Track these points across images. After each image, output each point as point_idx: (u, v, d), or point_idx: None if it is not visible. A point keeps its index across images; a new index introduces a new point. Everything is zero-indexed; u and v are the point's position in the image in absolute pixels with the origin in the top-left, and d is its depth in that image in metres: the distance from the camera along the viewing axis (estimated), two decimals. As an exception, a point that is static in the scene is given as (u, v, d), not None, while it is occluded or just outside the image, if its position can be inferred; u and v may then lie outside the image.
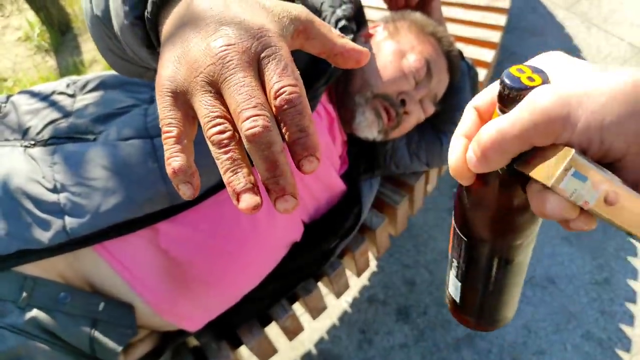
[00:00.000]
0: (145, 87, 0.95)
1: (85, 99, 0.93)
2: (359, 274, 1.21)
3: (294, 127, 0.32)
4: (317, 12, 0.94)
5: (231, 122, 0.33)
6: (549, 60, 0.32)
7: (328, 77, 0.89)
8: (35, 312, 0.75)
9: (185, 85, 0.35)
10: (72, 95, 0.94)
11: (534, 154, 0.30)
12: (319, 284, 1.09)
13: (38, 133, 0.86)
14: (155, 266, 0.83)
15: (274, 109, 0.33)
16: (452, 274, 0.43)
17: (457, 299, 0.43)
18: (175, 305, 0.86)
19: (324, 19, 0.93)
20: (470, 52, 1.42)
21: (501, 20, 1.50)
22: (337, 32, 0.40)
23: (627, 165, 0.29)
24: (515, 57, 2.03)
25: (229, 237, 0.85)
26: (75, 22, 2.65)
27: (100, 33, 0.57)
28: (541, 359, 1.39)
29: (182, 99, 0.35)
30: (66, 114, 0.90)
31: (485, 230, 0.37)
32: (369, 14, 1.53)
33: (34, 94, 0.95)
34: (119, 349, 0.79)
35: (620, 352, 1.37)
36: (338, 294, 1.18)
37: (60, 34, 2.60)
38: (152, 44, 0.47)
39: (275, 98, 0.32)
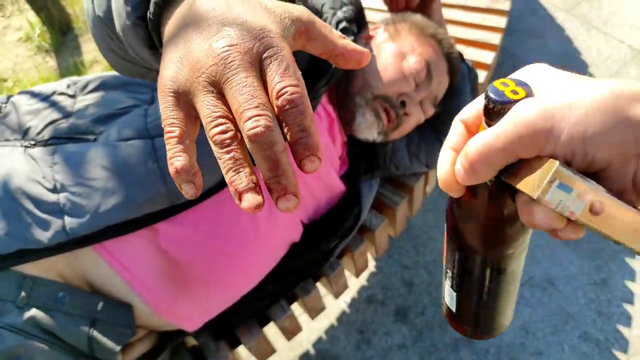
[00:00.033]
0: (145, 87, 0.96)
1: (85, 100, 0.93)
2: (357, 274, 1.21)
3: (295, 127, 0.32)
4: (318, 13, 0.94)
5: (233, 122, 0.33)
6: (533, 73, 0.33)
7: (329, 78, 0.89)
8: (34, 312, 0.75)
9: (187, 85, 0.35)
10: (73, 96, 0.94)
11: (520, 166, 0.30)
12: (318, 284, 1.10)
13: (38, 133, 0.86)
14: (155, 266, 0.83)
15: (275, 109, 0.33)
16: (447, 284, 0.43)
17: (453, 308, 0.44)
18: (175, 305, 0.86)
19: (324, 21, 0.93)
20: (471, 54, 1.42)
21: (501, 22, 1.50)
22: (338, 33, 0.40)
23: (611, 175, 0.29)
24: (515, 59, 2.04)
25: (228, 237, 0.85)
26: (76, 22, 2.65)
27: (102, 33, 0.57)
28: (539, 360, 1.40)
29: (184, 99, 0.35)
30: (67, 115, 0.90)
31: (477, 241, 0.37)
32: (369, 15, 1.53)
33: (34, 95, 0.95)
34: (118, 348, 0.79)
35: (618, 353, 1.37)
36: (337, 295, 1.18)
37: (61, 34, 2.60)
38: (154, 45, 0.47)
39: (277, 98, 0.33)
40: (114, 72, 0.99)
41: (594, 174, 0.29)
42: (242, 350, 1.04)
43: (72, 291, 0.79)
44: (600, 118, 0.27)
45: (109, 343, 0.79)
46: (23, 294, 0.75)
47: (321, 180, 0.99)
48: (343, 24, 0.92)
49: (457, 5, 1.59)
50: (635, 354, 1.37)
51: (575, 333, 1.43)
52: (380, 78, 0.96)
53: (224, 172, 0.32)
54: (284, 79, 0.33)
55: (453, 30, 1.48)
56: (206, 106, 0.33)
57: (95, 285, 0.82)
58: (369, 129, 0.98)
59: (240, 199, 0.32)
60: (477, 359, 1.42)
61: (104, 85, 0.95)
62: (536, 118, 0.28)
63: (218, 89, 0.34)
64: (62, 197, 0.78)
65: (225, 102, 0.34)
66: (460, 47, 1.41)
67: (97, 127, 0.86)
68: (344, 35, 0.40)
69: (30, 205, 0.77)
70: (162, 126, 0.35)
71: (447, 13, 1.54)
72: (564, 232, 0.30)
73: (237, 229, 0.85)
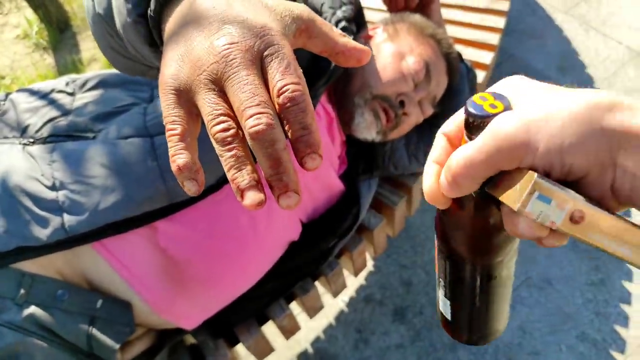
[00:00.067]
0: (144, 85, 0.96)
1: (84, 98, 0.93)
2: (356, 273, 1.21)
3: (297, 124, 0.32)
4: (318, 13, 0.94)
5: (234, 119, 0.33)
6: (511, 86, 0.33)
7: (328, 77, 0.89)
8: (33, 309, 0.75)
9: (188, 83, 0.35)
10: (72, 94, 0.94)
11: (502, 178, 0.31)
12: (316, 283, 1.10)
13: (37, 131, 0.86)
14: (154, 265, 0.83)
15: (277, 106, 0.33)
16: (440, 292, 0.44)
17: (448, 316, 0.44)
18: (173, 304, 0.86)
19: (324, 20, 0.93)
20: (469, 54, 1.42)
21: (500, 22, 1.50)
22: (338, 31, 0.40)
23: (590, 183, 0.30)
24: (513, 59, 2.04)
25: (227, 236, 0.85)
26: (74, 20, 2.64)
27: (101, 31, 0.57)
28: (536, 360, 1.40)
29: (185, 97, 0.35)
30: (65, 112, 0.90)
31: (466, 251, 0.38)
32: (368, 15, 1.53)
33: (33, 92, 0.95)
34: (117, 346, 0.79)
35: (615, 354, 1.38)
36: (335, 294, 1.19)
37: (58, 32, 2.59)
38: (155, 42, 0.47)
39: (279, 96, 0.33)
40: (112, 70, 0.99)
41: (573, 183, 0.30)
42: (240, 348, 1.04)
43: (71, 289, 0.79)
44: (576, 129, 0.28)
45: (108, 341, 0.79)
46: (22, 291, 0.75)
47: (320, 180, 0.99)
48: (342, 24, 0.92)
49: (455, 5, 1.59)
50: (632, 354, 1.37)
51: (572, 333, 1.43)
52: (379, 78, 0.96)
53: (225, 169, 0.32)
54: (285, 77, 0.33)
55: (452, 31, 1.49)
56: (208, 104, 0.33)
57: (94, 283, 0.82)
58: (367, 129, 0.98)
59: (242, 197, 0.32)
60: (474, 359, 1.42)
61: (103, 83, 0.95)
62: (514, 131, 0.29)
63: (219, 87, 0.34)
64: (61, 195, 0.78)
65: (226, 99, 0.34)
66: (459, 47, 1.41)
67: (96, 125, 0.86)
68: (344, 34, 0.40)
69: (29, 203, 0.77)
70: (164, 124, 0.35)
71: (445, 13, 1.54)
72: (548, 240, 0.31)
73: (235, 228, 0.85)
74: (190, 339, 1.03)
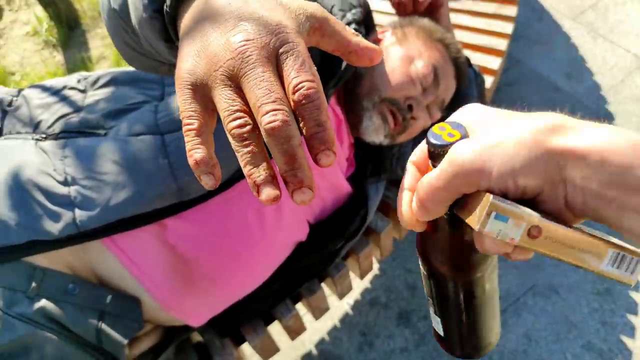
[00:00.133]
0: (155, 84, 0.96)
1: (96, 95, 0.93)
2: (362, 276, 1.21)
3: (312, 121, 0.33)
4: None
5: (250, 115, 0.34)
6: (468, 114, 0.36)
7: (338, 79, 0.90)
8: (43, 302, 0.75)
9: (204, 78, 0.35)
10: (83, 91, 0.95)
11: (466, 200, 0.33)
12: (323, 284, 1.10)
13: (49, 127, 0.87)
14: (163, 262, 0.83)
15: (292, 103, 0.33)
16: (431, 310, 0.45)
17: (441, 333, 0.46)
18: (182, 301, 0.87)
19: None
20: (477, 59, 1.42)
21: (508, 28, 1.51)
22: (351, 30, 0.41)
23: (545, 200, 0.32)
24: (520, 65, 2.04)
25: (235, 234, 0.86)
26: (84, 18, 2.66)
27: (116, 26, 0.57)
28: (541, 367, 1.40)
29: (201, 92, 0.36)
30: (77, 109, 0.90)
31: (446, 269, 0.40)
32: (377, 18, 1.53)
33: (45, 89, 0.96)
34: (125, 341, 0.80)
35: (621, 363, 1.37)
36: (341, 295, 1.19)
37: (68, 29, 2.61)
38: (170, 38, 0.48)
39: (294, 93, 0.33)
40: (123, 68, 0.99)
41: (530, 201, 0.32)
42: (246, 347, 1.05)
43: (81, 283, 0.80)
44: (525, 153, 0.31)
45: (116, 336, 0.79)
46: (33, 284, 0.76)
47: (327, 181, 0.99)
48: (352, 26, 0.93)
49: (463, 10, 1.60)
50: (637, 363, 1.36)
51: (578, 342, 1.42)
52: (387, 81, 0.97)
53: (242, 164, 0.33)
54: (300, 74, 0.34)
55: (460, 35, 1.49)
56: (224, 99, 0.34)
57: (103, 278, 0.83)
58: (375, 132, 0.99)
59: (258, 192, 0.32)
60: (478, 365, 1.42)
61: (114, 81, 0.96)
62: (469, 158, 0.32)
63: (235, 83, 0.34)
64: (72, 190, 0.78)
65: (242, 95, 0.34)
66: (466, 52, 1.41)
67: (108, 121, 0.87)
68: (357, 33, 0.41)
69: (41, 197, 0.77)
70: (181, 118, 0.36)
71: (453, 18, 1.54)
72: (514, 255, 0.33)
73: (244, 227, 0.86)
74: (197, 337, 1.03)
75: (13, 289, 0.75)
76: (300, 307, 1.09)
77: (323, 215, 1.02)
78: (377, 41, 1.04)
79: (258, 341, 1.01)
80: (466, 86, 1.12)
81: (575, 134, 0.31)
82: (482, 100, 1.19)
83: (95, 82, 0.97)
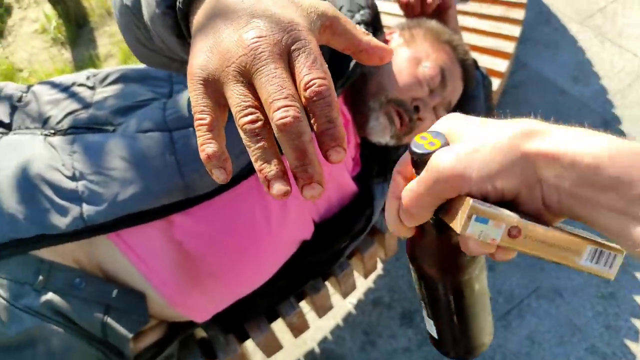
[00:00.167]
0: (164, 81, 0.97)
1: (105, 92, 0.94)
2: (366, 275, 1.22)
3: (323, 118, 0.33)
4: None
5: (262, 111, 0.34)
6: (449, 123, 0.38)
7: (346, 79, 0.90)
8: (50, 296, 0.76)
9: (216, 74, 0.36)
10: (92, 88, 0.96)
11: (449, 205, 0.35)
12: (327, 283, 1.10)
13: (58, 122, 0.88)
14: (169, 258, 0.84)
15: (303, 100, 0.34)
16: (424, 313, 0.46)
17: (434, 334, 0.47)
18: (187, 297, 0.87)
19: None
20: (484, 61, 1.42)
21: (515, 31, 1.51)
22: (362, 29, 0.41)
23: (523, 201, 0.34)
24: (527, 68, 2.04)
25: (241, 232, 0.86)
26: (92, 16, 2.67)
27: (128, 23, 0.58)
28: (544, 370, 1.39)
29: (213, 88, 0.36)
30: (86, 105, 0.91)
31: (435, 272, 0.41)
32: (385, 20, 1.54)
33: (54, 85, 0.96)
34: (130, 335, 0.80)
35: (624, 367, 1.37)
36: (345, 294, 1.19)
37: (76, 27, 2.62)
38: (182, 34, 0.48)
39: (305, 90, 0.34)
40: (132, 66, 1.00)
41: (509, 203, 0.34)
42: (249, 343, 1.05)
43: (87, 278, 0.80)
44: (501, 157, 0.33)
45: (122, 330, 0.80)
46: (40, 277, 0.77)
47: (333, 180, 0.99)
48: (361, 27, 0.93)
49: (471, 12, 1.60)
50: (641, 368, 1.36)
51: (582, 345, 1.42)
52: (394, 82, 0.97)
53: (253, 159, 0.33)
54: (312, 71, 0.34)
55: (467, 38, 1.49)
56: (236, 95, 0.34)
57: (109, 273, 0.84)
58: (381, 133, 0.99)
59: (269, 187, 0.33)
60: (481, 366, 1.42)
61: (123, 78, 0.97)
62: (449, 164, 0.33)
63: (247, 79, 0.35)
64: (80, 185, 0.79)
65: (254, 92, 0.35)
66: (474, 55, 1.41)
67: (116, 118, 0.87)
68: (367, 32, 0.41)
69: (49, 192, 0.78)
70: (192, 113, 0.36)
71: (461, 20, 1.54)
72: (498, 255, 0.35)
73: (250, 224, 0.86)
74: (201, 333, 1.04)
75: (20, 281, 0.76)
76: (304, 305, 1.10)
77: (328, 214, 1.02)
78: (384, 42, 1.04)
79: (262, 338, 1.02)
80: (473, 88, 1.12)
81: (548, 138, 0.32)
82: (489, 103, 1.19)
83: (104, 79, 0.98)
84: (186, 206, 0.82)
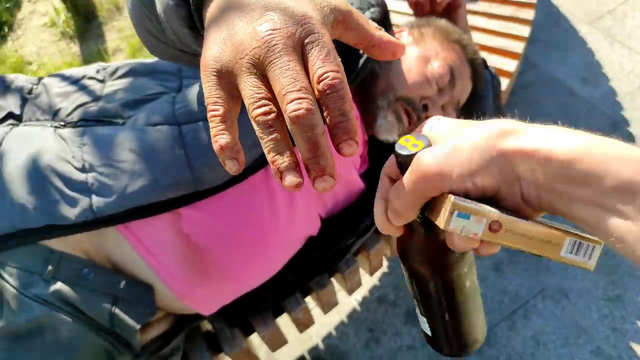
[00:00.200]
0: (173, 75, 0.97)
1: (114, 85, 0.95)
2: (372, 273, 1.22)
3: (335, 111, 0.33)
4: None
5: (275, 103, 0.34)
6: (431, 125, 0.39)
7: (355, 76, 0.90)
8: (59, 285, 0.77)
9: (230, 66, 0.36)
10: (102, 81, 0.97)
11: (434, 203, 0.36)
12: (332, 279, 1.10)
13: (68, 115, 0.88)
14: (177, 251, 0.84)
15: (316, 92, 0.34)
16: (417, 311, 0.47)
17: (428, 332, 0.47)
18: (194, 290, 0.88)
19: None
20: (493, 61, 1.42)
21: (525, 31, 1.50)
22: (374, 24, 0.41)
23: (503, 197, 0.35)
24: (535, 68, 2.03)
25: (249, 226, 0.86)
26: (101, 10, 2.68)
27: (140, 14, 0.58)
28: (548, 371, 1.39)
29: (226, 79, 0.36)
30: (96, 98, 0.92)
31: (424, 269, 0.42)
32: (394, 18, 1.54)
33: (64, 78, 0.97)
34: (138, 326, 0.81)
35: (629, 370, 1.36)
36: (350, 291, 1.19)
37: (85, 21, 2.64)
38: (195, 26, 0.48)
39: (319, 82, 0.34)
40: (141, 60, 1.01)
41: (490, 199, 0.35)
42: (254, 338, 1.05)
43: (96, 268, 0.81)
44: (478, 156, 0.34)
45: (129, 320, 0.81)
46: (50, 267, 0.77)
47: (340, 176, 0.99)
48: (371, 23, 0.93)
49: (480, 12, 1.60)
50: (646, 371, 1.35)
51: (587, 348, 1.41)
52: (403, 80, 0.97)
53: (265, 151, 0.33)
54: (326, 64, 0.34)
55: (476, 37, 1.49)
56: (249, 87, 0.34)
57: (118, 264, 0.84)
58: (389, 131, 0.99)
59: (281, 178, 0.33)
60: (485, 366, 1.42)
61: (132, 72, 0.97)
62: (431, 164, 0.35)
63: (261, 71, 0.35)
64: (90, 177, 0.79)
65: (267, 84, 0.35)
66: (483, 54, 1.41)
67: (126, 111, 0.88)
68: (380, 27, 0.41)
69: (59, 183, 0.79)
70: (206, 104, 0.36)
71: (470, 20, 1.54)
72: (482, 250, 0.36)
73: (257, 219, 0.87)
74: (207, 326, 1.05)
75: (30, 271, 0.76)
76: (309, 301, 1.10)
77: (335, 211, 1.03)
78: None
79: (267, 332, 1.02)
80: (482, 88, 1.12)
81: (524, 136, 0.34)
82: (498, 102, 1.18)
83: (114, 72, 0.98)
84: (194, 199, 0.82)
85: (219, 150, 0.35)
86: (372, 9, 0.97)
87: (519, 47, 1.46)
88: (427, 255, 0.41)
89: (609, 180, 0.31)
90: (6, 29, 2.67)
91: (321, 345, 1.50)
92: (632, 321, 1.44)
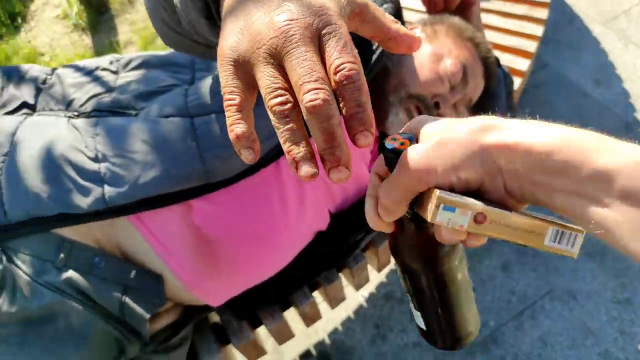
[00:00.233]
0: (186, 68, 0.98)
1: (127, 77, 0.95)
2: (380, 269, 1.22)
3: (352, 102, 0.34)
4: None
5: (291, 93, 0.34)
6: (417, 124, 0.40)
7: (367, 73, 0.90)
8: (70, 273, 0.78)
9: (247, 55, 0.36)
10: (115, 72, 0.97)
11: (421, 198, 0.37)
12: (340, 274, 1.11)
13: (81, 105, 0.89)
14: (187, 242, 0.85)
15: (333, 83, 0.34)
16: (411, 305, 0.48)
17: (423, 326, 0.48)
18: (203, 281, 0.88)
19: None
20: (506, 60, 1.41)
21: (538, 30, 1.49)
22: (390, 17, 0.41)
23: (488, 189, 0.36)
24: (548, 68, 2.02)
25: (259, 219, 0.87)
26: (113, 3, 2.70)
27: (156, 4, 0.59)
28: (554, 372, 1.39)
29: (242, 69, 0.36)
30: (109, 89, 0.92)
31: (416, 263, 0.43)
32: (407, 15, 1.53)
33: (78, 69, 0.98)
34: (147, 316, 0.82)
35: (638, 373, 1.36)
36: (358, 287, 1.19)
37: (97, 14, 2.65)
38: (211, 16, 0.48)
39: (335, 73, 0.34)
40: (155, 52, 1.01)
41: (475, 192, 0.37)
42: (261, 330, 1.06)
43: (107, 257, 0.82)
44: (461, 150, 0.35)
45: (139, 310, 0.81)
46: (62, 255, 0.78)
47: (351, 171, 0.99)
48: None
49: (494, 10, 1.59)
50: (654, 374, 1.35)
51: (595, 350, 1.41)
52: (415, 77, 0.97)
53: (281, 141, 0.34)
54: (342, 55, 0.34)
55: (489, 36, 1.48)
56: (266, 77, 0.35)
57: (128, 254, 0.85)
58: (400, 128, 0.98)
59: (297, 168, 0.33)
60: (490, 365, 1.41)
61: (145, 64, 0.98)
62: (416, 160, 0.36)
63: (278, 61, 0.35)
64: (102, 167, 0.80)
65: (283, 74, 0.35)
66: (496, 53, 1.40)
67: (139, 102, 0.88)
68: (396, 20, 0.41)
69: (72, 172, 0.79)
70: (222, 94, 0.36)
71: (484, 18, 1.52)
72: (469, 241, 0.37)
73: (268, 212, 0.87)
74: (215, 318, 1.05)
75: (42, 258, 0.77)
76: (316, 296, 1.10)
77: (344, 206, 1.02)
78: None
79: (274, 325, 1.02)
80: (495, 86, 1.11)
81: (505, 131, 0.35)
82: (510, 101, 1.18)
83: (127, 64, 0.99)
84: (206, 191, 0.82)
85: (235, 139, 0.35)
86: (385, 5, 0.97)
87: (531, 46, 1.46)
88: (418, 250, 0.42)
89: (585, 169, 0.32)
90: (19, 20, 2.69)
91: (327, 340, 1.51)
92: (641, 324, 1.43)
